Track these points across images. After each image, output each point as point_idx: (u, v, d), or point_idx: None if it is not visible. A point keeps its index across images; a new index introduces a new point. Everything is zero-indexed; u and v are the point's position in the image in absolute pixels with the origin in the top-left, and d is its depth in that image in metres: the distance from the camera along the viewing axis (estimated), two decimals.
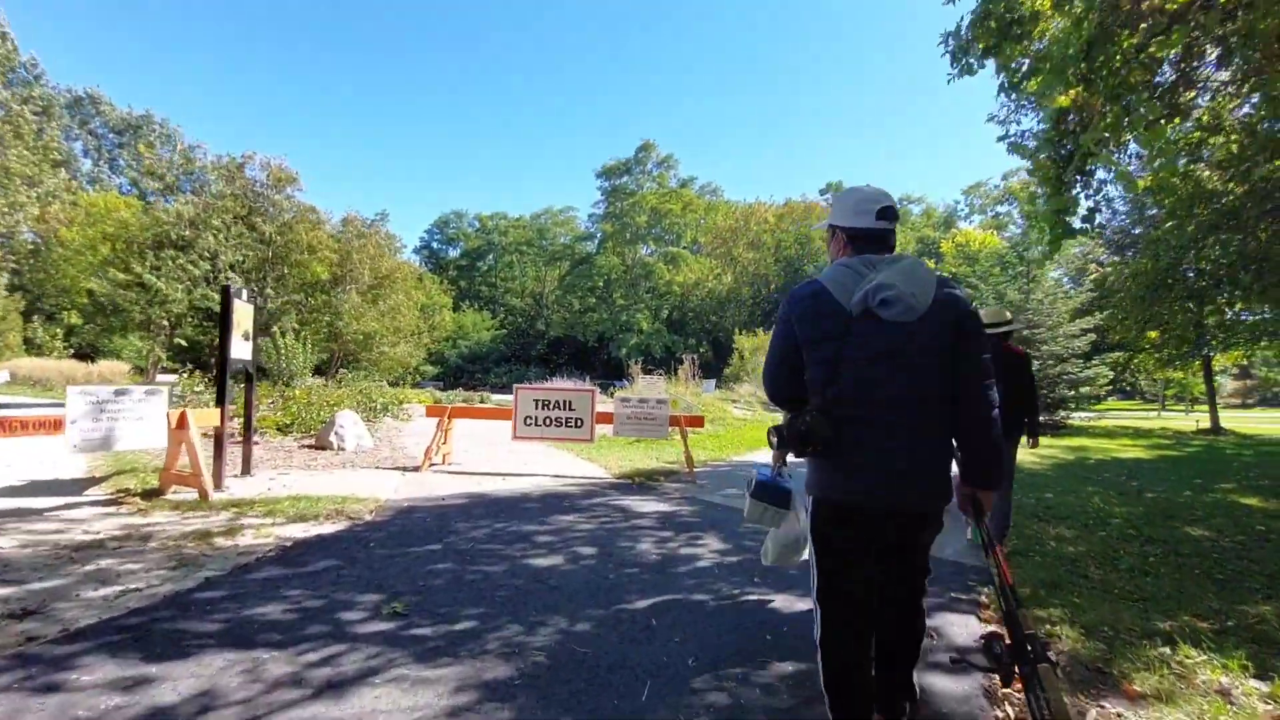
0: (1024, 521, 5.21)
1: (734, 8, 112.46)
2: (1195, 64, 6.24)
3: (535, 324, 62.88)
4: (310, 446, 8.42)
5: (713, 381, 23.99)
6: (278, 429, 9.57)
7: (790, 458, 2.01)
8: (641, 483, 6.83)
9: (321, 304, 22.78)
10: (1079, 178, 6.45)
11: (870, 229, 1.82)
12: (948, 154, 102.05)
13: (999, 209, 56.98)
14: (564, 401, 7.28)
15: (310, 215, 23.55)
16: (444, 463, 7.60)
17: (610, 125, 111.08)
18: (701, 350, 45.04)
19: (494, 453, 8.85)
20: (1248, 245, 7.86)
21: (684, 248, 52.78)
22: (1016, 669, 1.67)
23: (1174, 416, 30.66)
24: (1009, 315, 4.49)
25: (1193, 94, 6.61)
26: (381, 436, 10.19)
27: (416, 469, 7.09)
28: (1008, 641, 1.74)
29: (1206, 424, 19.72)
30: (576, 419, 7.25)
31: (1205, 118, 7.80)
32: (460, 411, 7.84)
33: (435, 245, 69.24)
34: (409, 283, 27.04)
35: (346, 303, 21.92)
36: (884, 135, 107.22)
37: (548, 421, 7.25)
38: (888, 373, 1.66)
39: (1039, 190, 7.11)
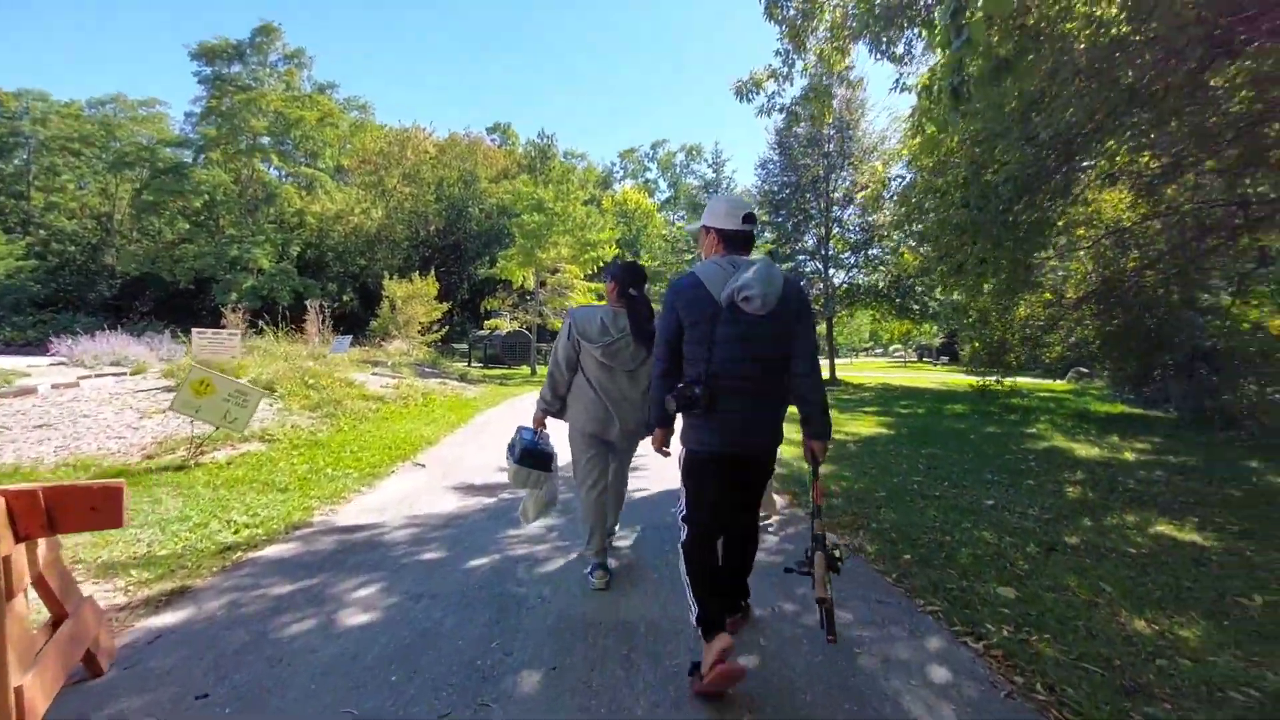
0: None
1: None
2: None
3: (100, 256, 44.58)
4: None
5: (348, 339, 19.05)
6: None
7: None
8: None
9: None
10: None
11: (738, 230, 2.32)
12: (610, 116, 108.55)
13: (648, 175, 62.17)
14: None
15: None
16: None
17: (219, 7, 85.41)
18: (346, 298, 38.03)
19: None
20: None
21: (322, 169, 42.96)
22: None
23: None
24: None
25: None
26: None
27: None
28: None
29: (827, 376, 23.93)
30: None
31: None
32: None
33: None
34: None
35: None
36: (550, 85, 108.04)
37: None
38: (745, 352, 2.17)
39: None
